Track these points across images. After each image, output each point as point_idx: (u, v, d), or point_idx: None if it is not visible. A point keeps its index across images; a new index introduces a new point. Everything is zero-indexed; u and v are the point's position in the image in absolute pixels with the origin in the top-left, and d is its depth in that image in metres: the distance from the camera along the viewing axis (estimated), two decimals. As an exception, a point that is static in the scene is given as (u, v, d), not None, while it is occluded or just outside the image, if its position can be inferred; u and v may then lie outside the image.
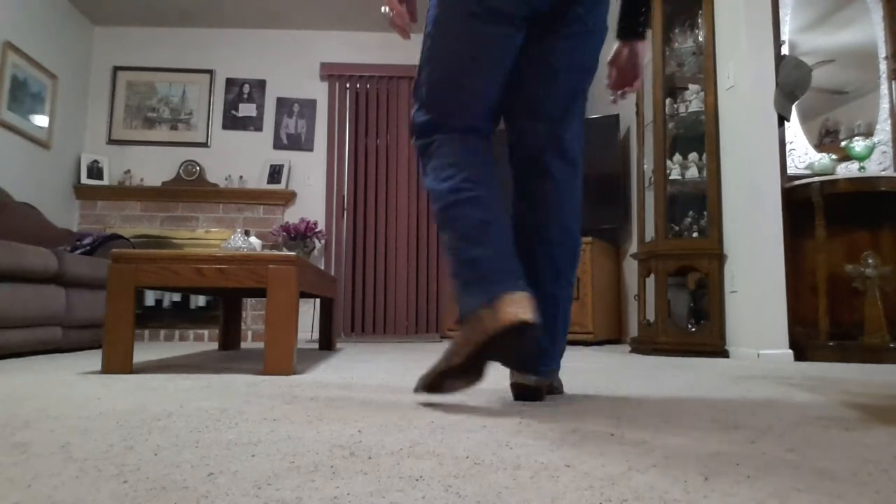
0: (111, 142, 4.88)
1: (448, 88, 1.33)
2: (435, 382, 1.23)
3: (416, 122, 1.37)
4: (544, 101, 1.37)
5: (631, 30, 1.46)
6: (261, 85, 5.02)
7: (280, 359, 1.85)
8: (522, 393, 1.30)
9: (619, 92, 1.56)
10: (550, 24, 1.33)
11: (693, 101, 3.10)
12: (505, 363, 1.22)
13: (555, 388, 1.43)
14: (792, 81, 2.81)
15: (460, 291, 1.18)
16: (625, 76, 1.53)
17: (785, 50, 2.88)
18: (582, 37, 1.35)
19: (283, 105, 5.01)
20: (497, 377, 1.81)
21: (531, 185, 1.37)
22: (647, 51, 1.51)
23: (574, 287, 1.39)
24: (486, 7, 1.26)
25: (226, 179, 4.84)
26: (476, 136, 1.33)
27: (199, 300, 4.67)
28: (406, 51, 5.03)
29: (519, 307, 1.06)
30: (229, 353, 2.87)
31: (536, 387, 1.29)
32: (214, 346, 3.80)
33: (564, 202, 1.35)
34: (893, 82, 2.84)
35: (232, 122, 4.98)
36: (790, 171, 2.84)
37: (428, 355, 2.80)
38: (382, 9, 1.40)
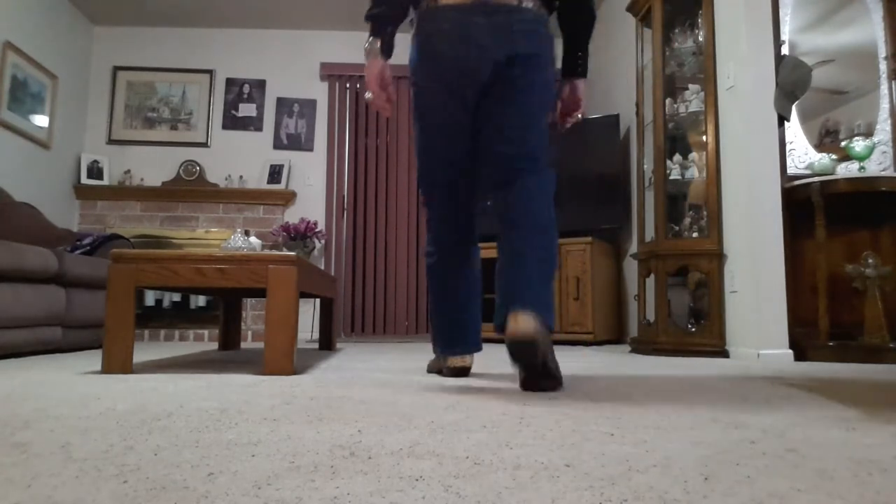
0: (111, 142, 4.88)
1: (430, 164, 1.78)
2: (433, 372, 1.95)
3: (419, 187, 1.87)
4: (503, 132, 1.68)
5: (570, 70, 1.84)
6: (261, 85, 5.02)
7: (280, 359, 1.85)
8: (519, 347, 1.41)
9: (566, 121, 1.91)
10: (495, 85, 1.66)
11: (693, 101, 3.10)
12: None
13: (551, 372, 1.47)
14: (792, 81, 2.81)
15: (435, 337, 1.86)
16: (568, 108, 1.89)
17: (785, 50, 2.88)
18: (526, 82, 1.66)
19: (283, 105, 5.01)
20: (497, 381, 1.81)
21: (506, 195, 1.65)
22: (585, 86, 1.88)
23: (551, 251, 1.61)
24: (444, 86, 1.67)
25: (226, 179, 4.84)
26: (458, 206, 1.81)
27: (199, 300, 4.67)
28: (406, 51, 5.04)
29: (459, 362, 1.81)
30: (229, 353, 2.87)
31: (535, 339, 1.38)
32: (214, 346, 3.80)
33: (528, 193, 1.64)
34: (893, 82, 2.84)
35: (232, 122, 4.98)
36: (790, 171, 2.84)
37: (427, 355, 2.80)
38: (366, 94, 1.78)
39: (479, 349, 1.85)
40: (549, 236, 1.62)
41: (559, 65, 1.85)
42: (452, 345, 1.81)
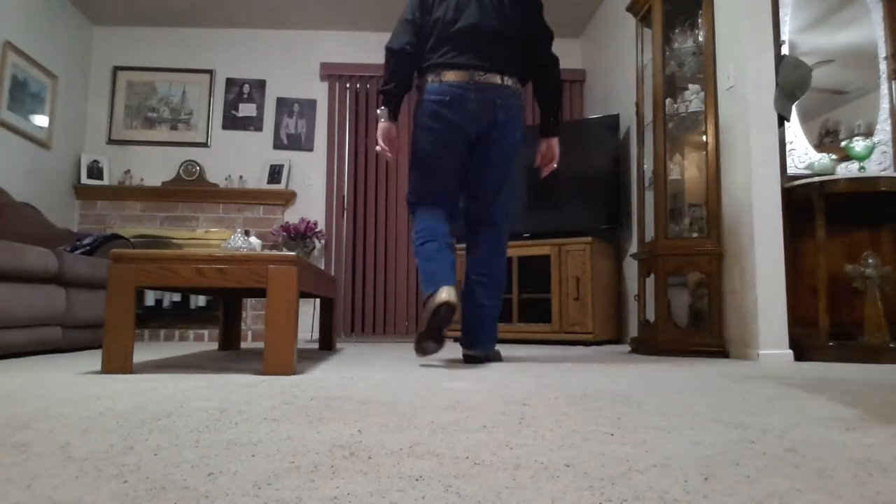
0: (111, 142, 4.88)
1: (423, 185, 2.35)
2: (419, 345, 2.21)
3: (408, 200, 2.45)
4: (480, 190, 2.37)
5: (545, 132, 2.48)
6: (261, 85, 5.02)
7: (280, 359, 1.85)
8: (470, 359, 2.32)
9: (544, 170, 2.54)
10: (481, 142, 2.31)
11: (693, 101, 3.10)
12: (443, 325, 2.10)
13: (491, 358, 2.39)
14: (792, 81, 2.81)
15: (423, 285, 2.19)
16: (546, 159, 2.51)
17: (785, 50, 2.88)
18: (500, 144, 2.31)
19: (283, 105, 5.01)
20: (497, 381, 1.82)
21: (472, 239, 2.40)
22: (557, 145, 2.51)
23: (499, 300, 2.39)
24: (442, 138, 2.28)
25: (226, 179, 4.84)
26: (440, 210, 2.34)
27: (199, 300, 4.67)
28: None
29: (444, 294, 2.05)
30: (229, 353, 2.87)
31: (477, 356, 2.33)
32: (214, 346, 3.80)
33: (490, 251, 2.37)
34: (893, 82, 2.84)
35: (232, 122, 4.98)
36: (790, 171, 2.84)
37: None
38: (377, 147, 2.39)
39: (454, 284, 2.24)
40: (501, 286, 2.39)
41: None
42: (435, 283, 2.15)
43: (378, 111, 2.37)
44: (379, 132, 2.36)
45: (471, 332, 2.35)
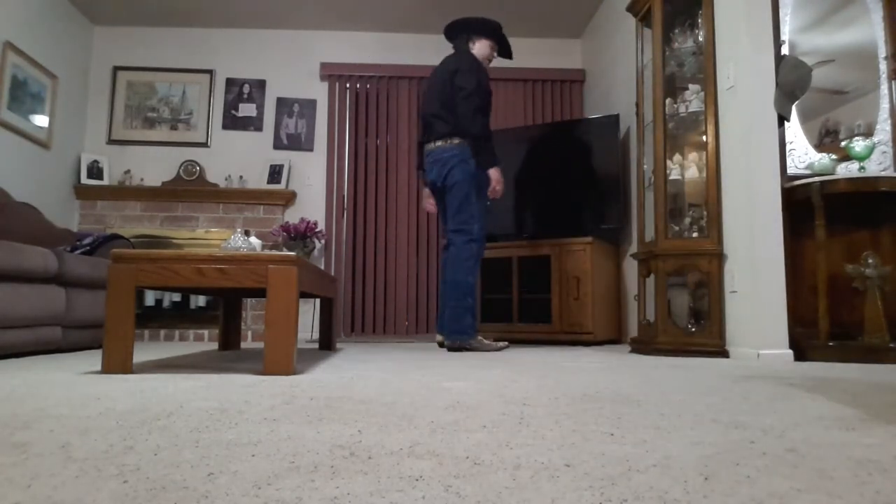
0: (111, 142, 4.87)
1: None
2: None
3: None
4: (445, 218, 3.30)
5: (478, 165, 3.24)
6: (261, 85, 5.02)
7: (280, 359, 1.85)
8: (440, 344, 3.28)
9: (489, 194, 3.28)
10: (440, 189, 3.30)
11: (693, 101, 3.10)
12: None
13: (463, 348, 3.12)
14: (792, 81, 2.81)
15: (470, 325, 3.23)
16: (487, 185, 3.26)
17: (785, 50, 2.88)
18: (448, 190, 3.23)
19: (283, 105, 5.00)
20: (497, 381, 1.82)
21: (445, 254, 3.30)
22: (497, 175, 3.23)
23: (460, 302, 3.14)
24: (427, 183, 3.42)
25: (226, 179, 4.84)
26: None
27: (199, 300, 4.67)
28: (406, 51, 5.04)
29: (440, 337, 3.28)
30: (229, 353, 2.87)
31: (443, 342, 3.22)
32: (214, 346, 3.80)
33: (449, 266, 3.21)
34: (893, 82, 2.84)
35: (232, 122, 4.97)
36: (790, 171, 2.84)
37: (428, 355, 2.80)
38: (425, 206, 3.55)
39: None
40: (461, 290, 3.14)
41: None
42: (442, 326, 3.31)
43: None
44: (423, 197, 3.56)
45: (439, 322, 3.29)
